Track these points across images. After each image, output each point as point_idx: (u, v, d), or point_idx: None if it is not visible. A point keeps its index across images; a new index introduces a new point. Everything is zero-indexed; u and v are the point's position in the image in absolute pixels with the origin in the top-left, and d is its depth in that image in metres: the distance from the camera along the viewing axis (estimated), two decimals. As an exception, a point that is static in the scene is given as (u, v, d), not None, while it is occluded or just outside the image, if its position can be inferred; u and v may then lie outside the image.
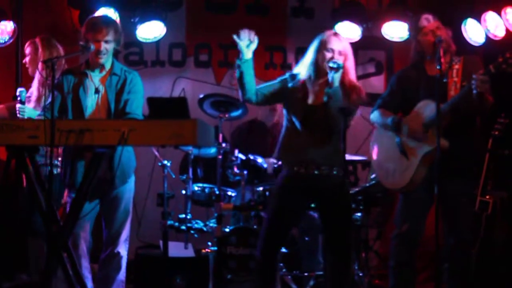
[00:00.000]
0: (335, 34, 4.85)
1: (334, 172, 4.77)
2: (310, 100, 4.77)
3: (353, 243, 5.04)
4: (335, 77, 4.64)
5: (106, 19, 5.14)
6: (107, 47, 4.92)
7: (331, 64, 4.65)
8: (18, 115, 5.46)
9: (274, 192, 4.94)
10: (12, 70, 7.03)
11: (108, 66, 5.00)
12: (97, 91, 4.95)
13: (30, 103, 5.57)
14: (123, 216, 5.05)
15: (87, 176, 4.36)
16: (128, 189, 5.07)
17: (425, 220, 5.04)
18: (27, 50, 5.77)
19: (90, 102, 4.93)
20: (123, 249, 5.08)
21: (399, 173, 5.08)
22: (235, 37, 4.59)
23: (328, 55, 4.73)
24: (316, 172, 4.76)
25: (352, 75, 4.81)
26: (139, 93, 5.02)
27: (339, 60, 4.70)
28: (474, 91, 4.62)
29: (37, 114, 5.31)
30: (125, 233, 5.08)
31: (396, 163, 5.11)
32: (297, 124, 4.77)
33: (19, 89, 5.56)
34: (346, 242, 4.76)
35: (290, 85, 4.84)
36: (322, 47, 4.77)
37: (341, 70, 4.67)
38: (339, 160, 4.73)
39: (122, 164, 4.88)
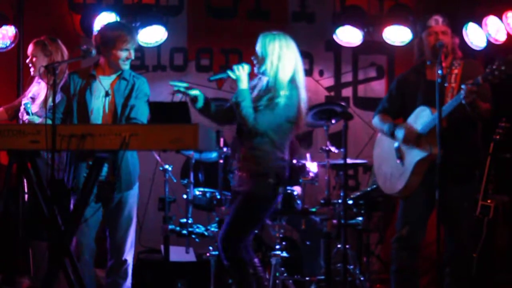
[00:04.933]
0: None
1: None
2: None
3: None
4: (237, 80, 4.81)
5: (127, 26, 5.17)
6: (133, 54, 5.01)
7: None
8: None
9: (271, 205, 4.93)
10: (14, 75, 7.04)
11: (119, 71, 5.03)
12: (107, 94, 4.96)
13: (34, 104, 5.58)
14: (126, 222, 5.04)
15: (88, 180, 4.36)
16: (132, 195, 5.07)
17: (426, 224, 5.04)
18: (35, 50, 5.74)
19: (97, 105, 4.95)
20: (129, 256, 5.08)
21: (394, 179, 5.08)
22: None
23: None
24: None
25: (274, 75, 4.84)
26: (145, 99, 5.04)
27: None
28: (463, 101, 4.63)
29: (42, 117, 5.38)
30: (130, 240, 5.07)
31: (392, 168, 5.11)
32: None
33: (23, 102, 5.57)
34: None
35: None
36: None
37: (224, 76, 4.89)
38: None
39: (128, 168, 4.91)
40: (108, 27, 5.09)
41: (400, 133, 4.98)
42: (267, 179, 4.79)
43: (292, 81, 4.84)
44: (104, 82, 4.99)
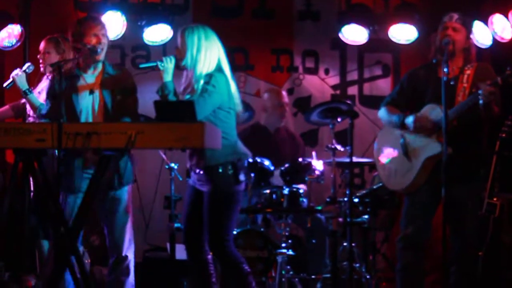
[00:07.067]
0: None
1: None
2: None
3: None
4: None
5: (94, 16, 5.20)
6: (105, 41, 4.94)
7: None
8: (10, 76, 5.50)
9: (239, 193, 4.87)
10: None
11: (100, 66, 4.98)
12: (92, 92, 4.93)
13: (39, 98, 5.60)
14: (123, 218, 5.01)
15: (95, 178, 4.37)
16: (126, 191, 5.04)
17: (430, 222, 5.03)
18: (47, 46, 5.74)
19: (85, 104, 4.91)
20: (130, 252, 5.06)
21: (400, 175, 5.07)
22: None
23: None
24: None
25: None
26: (132, 90, 5.01)
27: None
28: (481, 101, 4.62)
29: (26, 88, 5.39)
30: (129, 235, 5.05)
31: (398, 164, 5.10)
32: None
33: (28, 63, 5.60)
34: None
35: None
36: None
37: (153, 65, 4.84)
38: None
39: (121, 166, 4.89)
40: (74, 23, 5.08)
41: (410, 118, 4.96)
42: (224, 171, 4.74)
43: (218, 70, 4.83)
44: (88, 80, 4.96)
